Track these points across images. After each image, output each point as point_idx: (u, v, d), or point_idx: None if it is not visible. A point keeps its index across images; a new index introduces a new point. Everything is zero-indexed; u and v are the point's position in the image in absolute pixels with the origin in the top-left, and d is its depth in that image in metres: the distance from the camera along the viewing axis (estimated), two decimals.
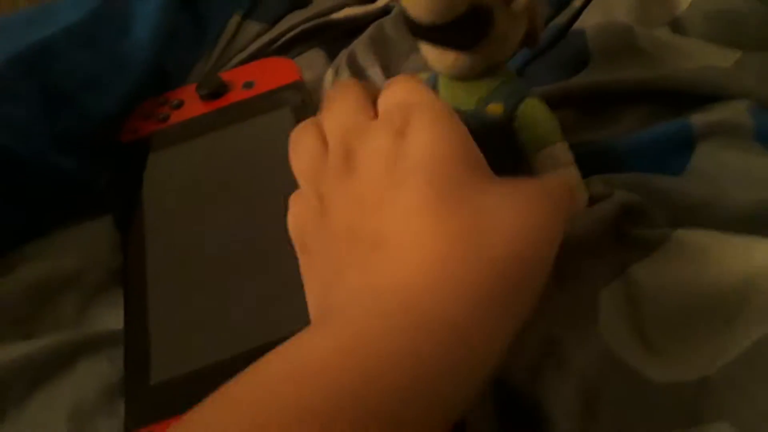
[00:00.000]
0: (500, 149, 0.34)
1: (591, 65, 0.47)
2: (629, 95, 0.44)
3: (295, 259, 0.38)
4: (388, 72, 0.52)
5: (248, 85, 0.49)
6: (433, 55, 0.35)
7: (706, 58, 0.45)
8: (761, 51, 0.46)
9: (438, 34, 0.32)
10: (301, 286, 0.37)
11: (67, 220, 0.44)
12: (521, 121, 0.35)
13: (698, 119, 0.41)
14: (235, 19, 0.57)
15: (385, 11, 0.56)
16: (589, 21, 0.50)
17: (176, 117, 0.48)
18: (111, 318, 0.39)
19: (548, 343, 0.31)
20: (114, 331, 0.38)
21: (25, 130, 0.43)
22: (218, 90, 0.49)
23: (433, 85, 0.37)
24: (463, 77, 0.35)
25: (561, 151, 0.36)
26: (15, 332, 0.39)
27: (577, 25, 0.51)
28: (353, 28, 0.56)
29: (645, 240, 0.34)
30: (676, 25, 0.50)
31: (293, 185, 0.42)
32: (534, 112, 0.35)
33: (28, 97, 0.44)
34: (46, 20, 0.51)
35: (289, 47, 0.56)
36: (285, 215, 0.40)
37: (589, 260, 0.34)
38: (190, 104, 0.49)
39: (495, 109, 0.35)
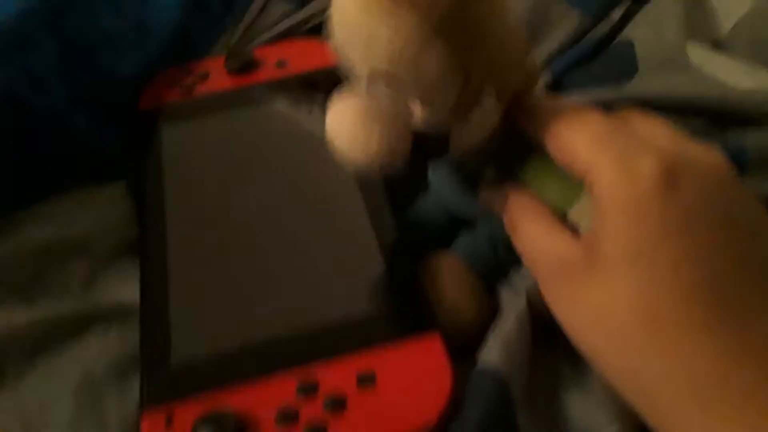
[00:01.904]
0: None
1: (638, 76, 0.46)
2: (674, 109, 0.42)
3: (333, 243, 0.36)
4: None
5: (281, 63, 0.47)
6: None
7: (759, 81, 0.43)
8: None
9: None
10: (342, 272, 0.35)
11: (78, 183, 0.41)
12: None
13: (754, 142, 0.39)
14: None
15: None
16: (636, 33, 0.49)
17: (201, 89, 0.45)
18: (120, 290, 0.36)
19: None
20: (124, 304, 0.35)
21: (41, 82, 0.40)
22: (249, 65, 0.46)
23: None
24: None
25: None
26: (15, 298, 0.35)
27: (623, 36, 0.49)
28: None
29: None
30: (718, 48, 0.49)
31: (329, 170, 0.39)
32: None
33: (45, 49, 0.41)
34: None
35: (318, 30, 0.53)
36: (320, 199, 0.38)
37: None
38: (217, 77, 0.46)
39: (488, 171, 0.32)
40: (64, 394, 0.31)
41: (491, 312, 0.35)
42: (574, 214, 0.28)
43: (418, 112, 0.28)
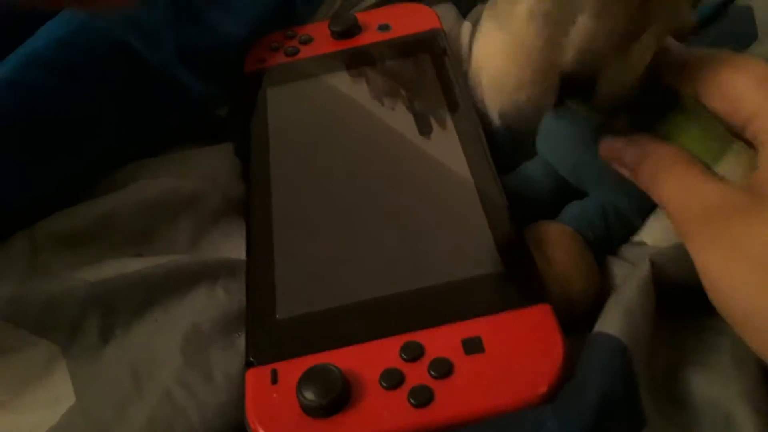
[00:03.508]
0: None
1: (758, 43, 0.43)
2: None
3: (438, 206, 0.35)
4: None
5: (384, 27, 0.46)
6: None
7: None
8: None
9: None
10: (448, 235, 0.34)
11: (187, 142, 0.42)
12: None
13: None
14: None
15: None
16: None
17: (305, 52, 0.45)
18: (226, 247, 0.37)
19: None
20: (230, 261, 0.35)
21: (154, 36, 0.40)
22: (352, 29, 0.46)
23: None
24: None
25: None
26: (126, 250, 0.36)
27: (741, 2, 0.47)
28: None
29: None
30: None
31: (434, 133, 0.39)
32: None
33: (158, 3, 0.42)
34: None
35: None
36: (425, 162, 0.38)
37: None
38: (321, 41, 0.46)
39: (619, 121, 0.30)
40: (171, 347, 0.31)
41: (601, 284, 0.33)
42: (721, 169, 0.27)
43: (580, 33, 0.25)
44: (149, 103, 0.41)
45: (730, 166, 0.27)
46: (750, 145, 0.26)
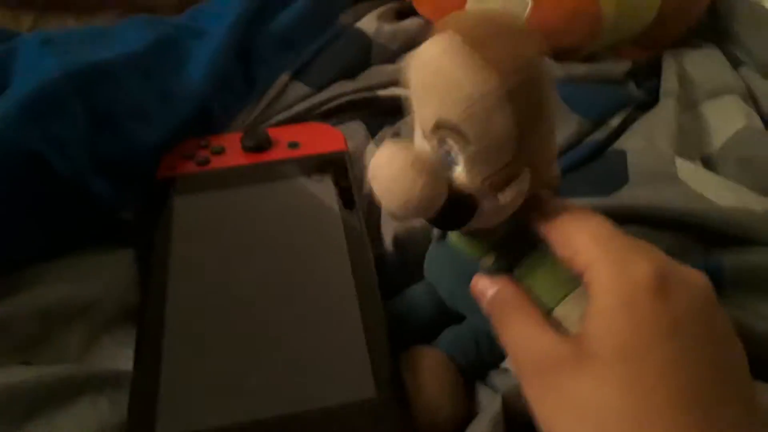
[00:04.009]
0: None
1: (629, 186, 0.48)
2: (661, 222, 0.44)
3: (323, 329, 0.38)
4: None
5: (293, 145, 0.49)
6: None
7: (741, 200, 0.45)
8: None
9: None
10: (329, 359, 0.36)
11: (88, 246, 0.43)
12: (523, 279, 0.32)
13: (731, 263, 0.41)
14: (283, 78, 0.58)
15: None
16: (629, 143, 0.51)
17: (216, 163, 0.48)
18: (117, 357, 0.38)
19: None
20: (119, 372, 0.36)
21: (67, 147, 0.42)
22: (263, 144, 0.49)
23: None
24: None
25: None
26: (15, 357, 0.37)
27: (617, 145, 0.52)
28: (396, 107, 0.56)
29: None
30: (708, 163, 0.52)
31: (328, 255, 0.41)
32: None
33: (75, 114, 0.43)
34: (104, 43, 0.51)
35: (331, 114, 0.56)
36: (316, 283, 0.40)
37: None
38: (232, 153, 0.49)
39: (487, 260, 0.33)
40: None
41: (468, 410, 0.36)
42: (561, 310, 0.30)
43: (460, 173, 0.29)
44: (57, 211, 0.42)
45: (570, 308, 0.30)
46: None
